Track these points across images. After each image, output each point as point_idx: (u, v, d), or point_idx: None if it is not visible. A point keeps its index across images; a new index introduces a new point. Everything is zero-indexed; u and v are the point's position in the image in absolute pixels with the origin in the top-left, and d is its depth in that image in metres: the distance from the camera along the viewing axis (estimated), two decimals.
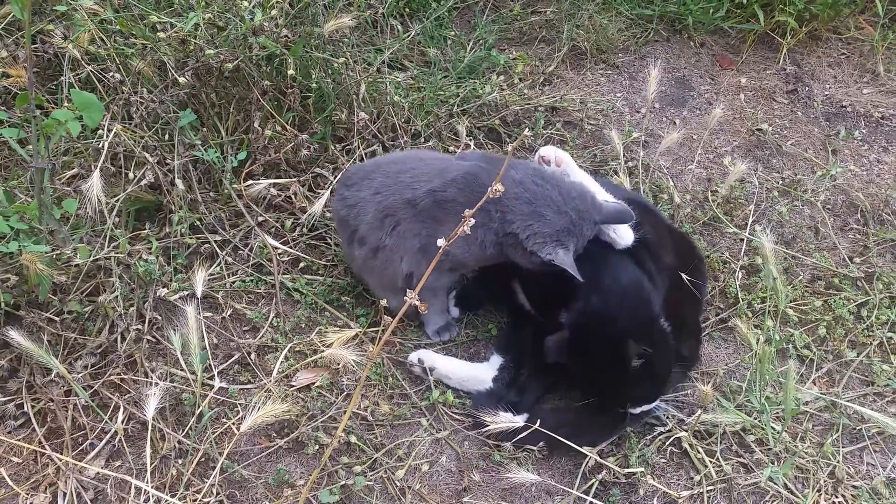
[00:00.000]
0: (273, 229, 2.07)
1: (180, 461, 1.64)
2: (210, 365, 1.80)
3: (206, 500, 1.59)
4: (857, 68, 2.76)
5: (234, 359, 1.84)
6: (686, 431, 1.75)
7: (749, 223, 2.21)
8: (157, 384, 1.68)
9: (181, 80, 1.94)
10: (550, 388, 1.85)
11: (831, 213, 2.29)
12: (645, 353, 1.61)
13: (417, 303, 1.32)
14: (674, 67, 2.71)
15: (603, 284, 1.71)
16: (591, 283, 1.69)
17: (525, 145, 2.37)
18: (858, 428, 1.81)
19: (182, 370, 1.76)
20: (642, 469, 1.68)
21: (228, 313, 1.91)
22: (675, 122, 2.55)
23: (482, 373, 1.84)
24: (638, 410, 1.72)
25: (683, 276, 1.79)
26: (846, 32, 2.85)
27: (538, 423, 1.66)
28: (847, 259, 2.15)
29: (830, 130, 2.54)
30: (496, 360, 1.86)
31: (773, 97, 2.64)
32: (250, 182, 2.04)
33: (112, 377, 1.73)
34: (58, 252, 1.72)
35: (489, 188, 1.27)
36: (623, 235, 1.71)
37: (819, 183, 2.34)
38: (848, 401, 1.83)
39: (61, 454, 1.63)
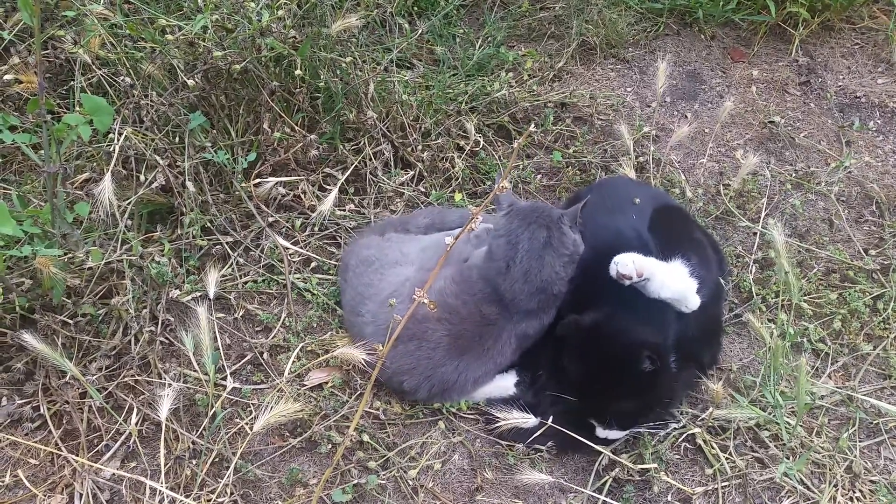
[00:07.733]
0: (284, 230, 2.08)
1: (194, 461, 1.65)
2: (223, 365, 1.81)
3: (220, 499, 1.60)
4: (871, 58, 2.72)
5: (246, 359, 1.85)
6: (700, 427, 1.74)
7: (762, 216, 2.19)
8: (170, 385, 1.69)
9: (190, 82, 1.94)
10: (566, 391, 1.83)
11: (846, 205, 2.26)
12: (654, 362, 1.58)
13: (426, 301, 1.32)
14: (684, 61, 2.69)
15: (629, 300, 1.68)
16: (619, 297, 1.68)
17: (535, 142, 2.37)
18: (875, 422, 1.79)
19: (195, 371, 1.77)
20: (656, 465, 1.68)
21: (240, 314, 1.92)
22: (686, 116, 2.53)
23: (504, 380, 1.82)
24: (604, 434, 1.65)
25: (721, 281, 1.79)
26: (860, 22, 2.81)
27: (550, 421, 1.66)
28: (862, 251, 2.12)
29: (844, 121, 2.51)
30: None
31: (785, 89, 2.61)
32: (258, 180, 2.05)
33: (126, 379, 1.74)
34: (71, 255, 1.73)
35: None
36: (692, 304, 1.68)
37: (833, 175, 2.31)
38: (864, 395, 1.81)
39: (77, 456, 1.64)
